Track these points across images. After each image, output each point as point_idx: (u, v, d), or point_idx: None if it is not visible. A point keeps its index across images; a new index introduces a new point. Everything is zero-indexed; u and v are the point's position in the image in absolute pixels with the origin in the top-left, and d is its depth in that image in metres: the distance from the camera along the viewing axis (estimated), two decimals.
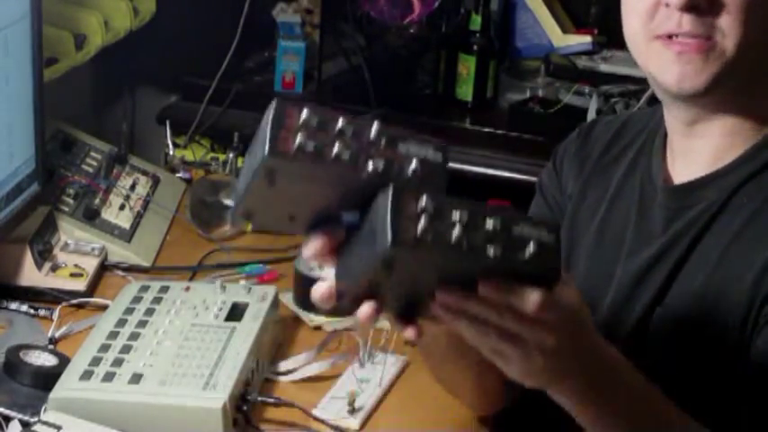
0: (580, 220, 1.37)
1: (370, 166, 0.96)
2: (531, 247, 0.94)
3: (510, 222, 0.95)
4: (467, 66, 2.32)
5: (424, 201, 0.93)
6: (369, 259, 0.95)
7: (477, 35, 2.32)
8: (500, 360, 0.99)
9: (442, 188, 0.97)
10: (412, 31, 2.35)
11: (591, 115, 2.12)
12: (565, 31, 2.48)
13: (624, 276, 1.27)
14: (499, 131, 2.27)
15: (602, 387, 1.04)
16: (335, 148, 0.95)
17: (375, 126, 0.97)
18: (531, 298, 0.94)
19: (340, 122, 0.96)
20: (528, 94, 2.36)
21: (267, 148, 0.94)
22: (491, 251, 0.93)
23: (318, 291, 1.02)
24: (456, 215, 0.94)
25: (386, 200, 0.93)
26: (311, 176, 0.96)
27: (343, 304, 1.02)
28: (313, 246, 1.01)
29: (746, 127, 1.20)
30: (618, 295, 1.27)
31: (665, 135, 1.28)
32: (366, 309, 0.99)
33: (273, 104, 0.95)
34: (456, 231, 0.93)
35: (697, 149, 1.23)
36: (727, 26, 1.13)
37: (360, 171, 0.95)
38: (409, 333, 1.01)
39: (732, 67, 1.15)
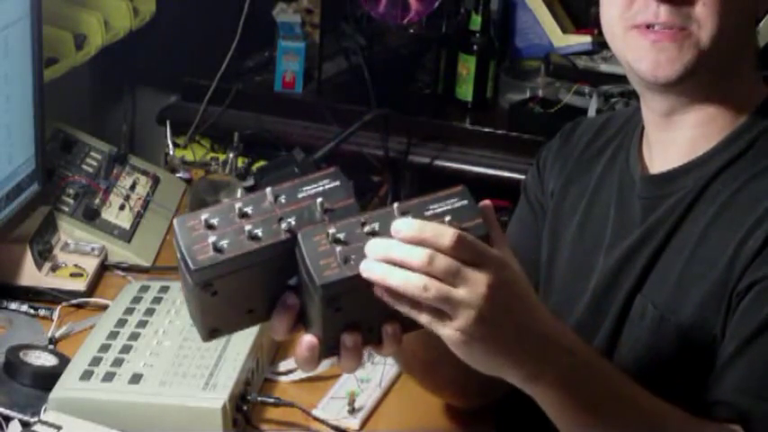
0: (562, 215, 1.39)
1: (284, 226, 0.98)
2: (447, 220, 0.97)
3: (421, 209, 0.98)
4: (467, 66, 2.32)
5: (332, 231, 0.96)
6: (318, 309, 0.97)
7: (477, 35, 2.32)
8: (438, 328, 0.96)
9: (354, 207, 1.00)
10: (412, 31, 2.35)
11: (591, 115, 2.12)
12: (565, 31, 2.48)
13: (605, 266, 1.29)
14: (499, 131, 2.27)
15: (544, 356, 1.02)
16: (246, 231, 0.98)
17: (268, 191, 0.99)
18: (447, 233, 0.94)
19: (237, 206, 0.98)
20: (528, 94, 2.35)
21: (190, 265, 0.97)
22: None
23: (299, 355, 1.03)
24: (367, 228, 0.97)
25: (300, 250, 0.96)
26: (241, 267, 0.98)
27: (325, 356, 1.03)
28: (277, 329, 1.03)
29: (720, 117, 1.23)
30: (599, 285, 1.29)
31: (643, 129, 1.31)
32: (347, 348, 1.00)
33: (175, 225, 0.98)
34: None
35: (672, 140, 1.25)
36: (703, 16, 1.16)
37: (278, 237, 0.98)
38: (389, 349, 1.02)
39: (705, 57, 1.17)
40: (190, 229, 0.98)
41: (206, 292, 0.98)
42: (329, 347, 1.02)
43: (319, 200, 1.00)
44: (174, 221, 0.99)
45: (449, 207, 0.99)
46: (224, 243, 0.97)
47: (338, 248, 0.96)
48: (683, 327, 1.19)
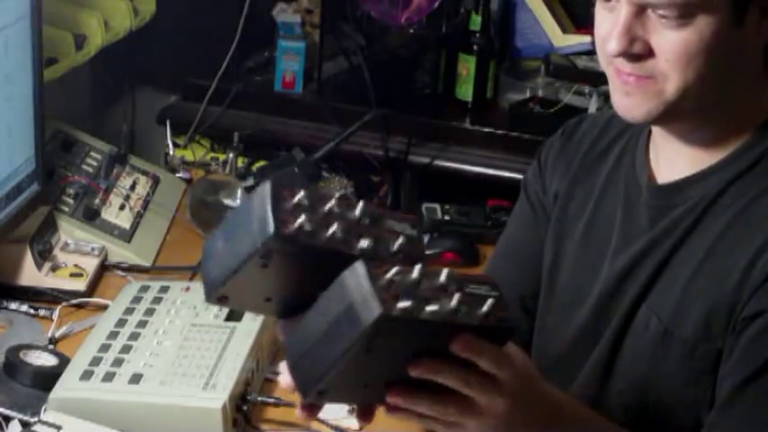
0: (568, 217, 1.38)
1: (362, 243, 0.98)
2: (488, 303, 0.97)
3: (464, 282, 0.98)
4: (467, 66, 2.32)
5: (392, 272, 0.95)
6: (355, 329, 0.93)
7: (477, 35, 2.32)
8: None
9: (422, 260, 0.99)
10: (412, 31, 2.35)
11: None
12: (565, 31, 2.48)
13: (610, 273, 1.28)
14: (499, 131, 2.26)
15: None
16: (330, 230, 0.97)
17: (360, 206, 1.00)
18: (489, 353, 0.98)
19: (330, 203, 0.99)
20: (528, 94, 2.35)
21: (269, 227, 0.95)
22: (461, 309, 0.96)
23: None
24: (425, 282, 0.96)
25: (356, 275, 0.94)
26: (306, 256, 0.97)
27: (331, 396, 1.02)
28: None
29: (725, 134, 1.22)
30: (603, 292, 1.28)
31: (649, 133, 1.30)
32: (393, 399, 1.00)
33: (269, 184, 0.97)
34: (428, 295, 0.95)
35: (679, 152, 1.25)
36: (666, 71, 1.15)
37: (351, 249, 0.98)
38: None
39: (673, 106, 1.16)
40: (282, 197, 0.97)
41: (260, 260, 0.97)
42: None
43: (402, 237, 1.01)
44: (271, 179, 0.98)
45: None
46: (308, 226, 0.96)
47: (394, 286, 0.94)
48: (687, 342, 1.19)
